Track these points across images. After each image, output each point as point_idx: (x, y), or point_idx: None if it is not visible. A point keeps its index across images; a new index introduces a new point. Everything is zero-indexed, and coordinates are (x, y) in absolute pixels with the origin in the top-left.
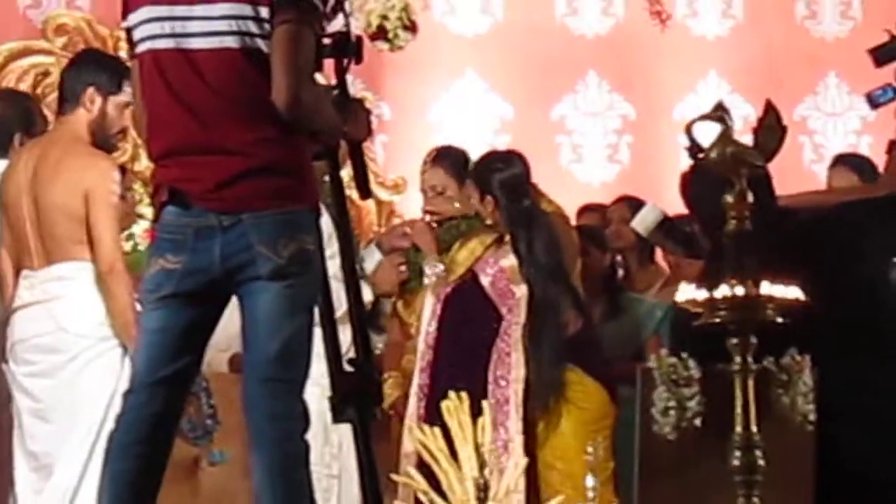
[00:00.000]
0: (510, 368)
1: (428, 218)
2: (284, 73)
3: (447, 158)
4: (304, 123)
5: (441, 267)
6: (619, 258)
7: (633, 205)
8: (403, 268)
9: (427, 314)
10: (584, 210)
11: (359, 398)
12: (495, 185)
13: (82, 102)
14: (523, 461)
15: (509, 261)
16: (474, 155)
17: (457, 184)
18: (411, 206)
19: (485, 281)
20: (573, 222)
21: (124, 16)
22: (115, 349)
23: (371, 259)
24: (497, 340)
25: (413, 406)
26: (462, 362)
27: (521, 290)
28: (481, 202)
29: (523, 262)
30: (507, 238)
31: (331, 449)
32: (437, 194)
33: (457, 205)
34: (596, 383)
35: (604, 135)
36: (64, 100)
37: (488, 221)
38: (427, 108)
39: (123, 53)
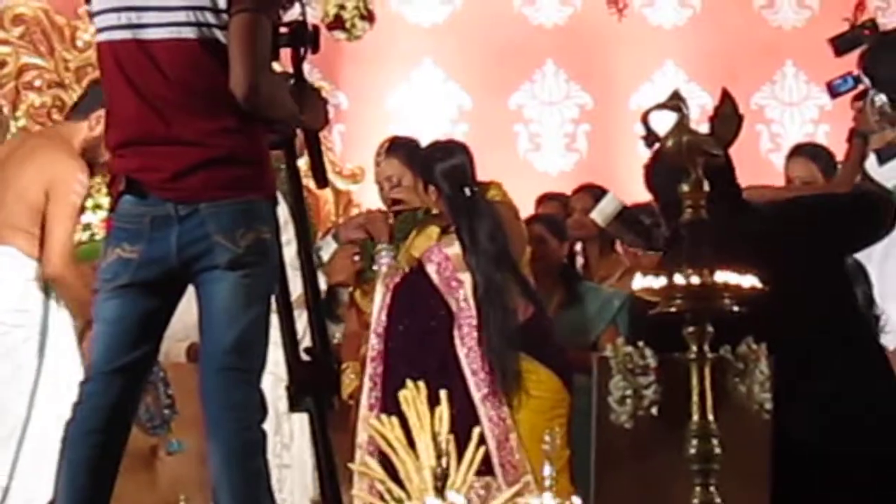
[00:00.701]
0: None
1: (395, 208)
2: (242, 62)
3: (401, 149)
4: (262, 112)
5: (392, 255)
6: (578, 247)
7: (595, 194)
8: (358, 258)
9: (377, 303)
10: (544, 199)
11: (316, 388)
12: (437, 174)
13: (89, 119)
14: (481, 451)
15: (453, 249)
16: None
17: (411, 174)
18: (369, 195)
19: (431, 269)
20: (533, 211)
21: (87, 1)
22: (29, 341)
23: (328, 249)
24: (455, 333)
25: (365, 395)
26: (411, 351)
27: (466, 279)
28: (425, 192)
29: (467, 250)
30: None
31: (282, 439)
32: (393, 186)
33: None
34: (549, 371)
35: (561, 124)
36: (76, 107)
37: (434, 211)
38: (384, 98)
39: (80, 43)
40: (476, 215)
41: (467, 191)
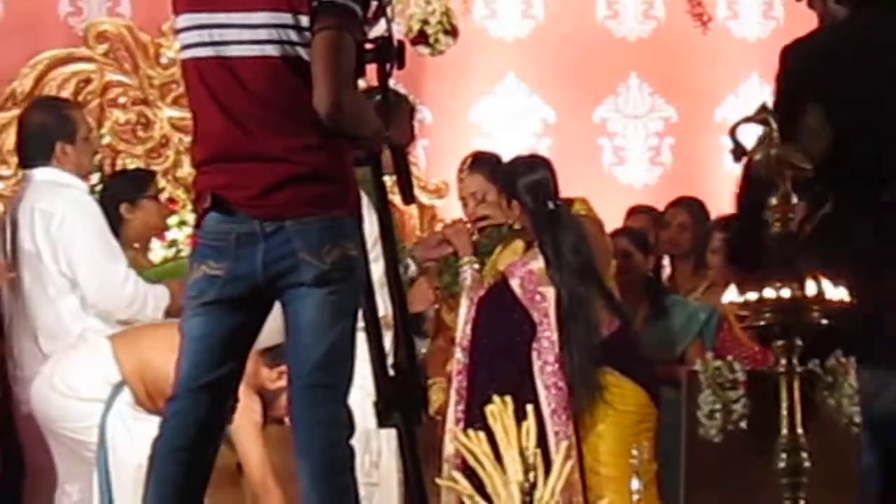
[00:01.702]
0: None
1: (479, 224)
2: (325, 80)
3: (484, 165)
4: (345, 129)
5: (476, 269)
6: (665, 261)
7: (691, 207)
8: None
9: (462, 317)
10: (634, 211)
11: (403, 403)
12: (520, 189)
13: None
14: (568, 465)
15: (537, 263)
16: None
17: (495, 189)
18: (453, 210)
19: (514, 283)
20: (622, 223)
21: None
22: None
23: (406, 272)
24: (534, 347)
25: (452, 409)
26: (496, 366)
27: (550, 293)
28: (508, 207)
29: (551, 264)
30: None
31: (371, 457)
32: (477, 202)
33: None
34: (634, 385)
35: (646, 137)
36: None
37: (516, 226)
38: (468, 112)
39: (164, 59)
40: (559, 229)
41: (550, 204)
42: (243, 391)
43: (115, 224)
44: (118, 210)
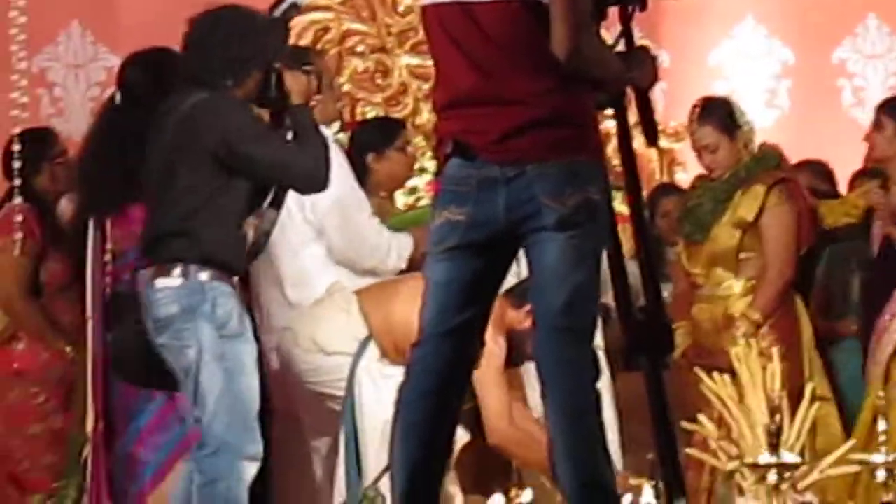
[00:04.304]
0: None
1: (716, 174)
2: (563, 23)
3: (713, 114)
4: (584, 73)
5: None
6: None
7: None
8: None
9: None
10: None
11: (651, 347)
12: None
13: None
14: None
15: None
16: (751, 101)
17: (728, 137)
18: (693, 153)
19: None
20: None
21: None
22: None
23: None
24: None
25: None
26: None
27: None
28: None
29: None
30: None
31: None
32: (711, 152)
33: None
34: None
35: (885, 78)
36: None
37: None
38: (707, 55)
39: (402, 7)
40: None
41: None
42: (489, 334)
43: (361, 173)
44: (364, 159)
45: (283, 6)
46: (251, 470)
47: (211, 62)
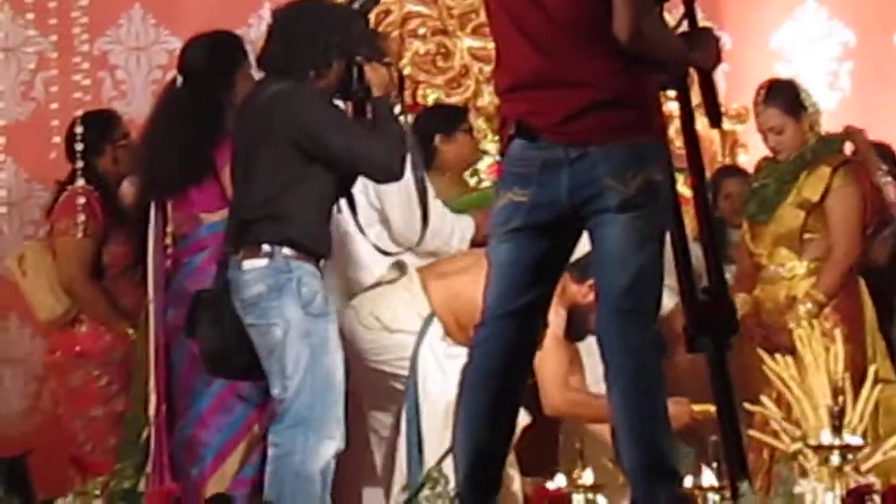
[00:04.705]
0: None
1: (781, 157)
2: (625, 5)
3: (779, 96)
4: (646, 55)
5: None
6: None
7: None
8: None
9: None
10: None
11: (714, 327)
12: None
13: None
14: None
15: None
16: (813, 83)
17: (793, 119)
18: (755, 135)
19: None
20: None
21: None
22: None
23: None
24: None
25: None
26: None
27: None
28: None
29: None
30: None
31: None
32: (777, 134)
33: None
34: None
35: None
36: None
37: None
38: (768, 37)
39: None
40: None
41: None
42: (551, 308)
43: (428, 155)
44: (432, 141)
45: None
46: (330, 449)
47: (294, 53)
